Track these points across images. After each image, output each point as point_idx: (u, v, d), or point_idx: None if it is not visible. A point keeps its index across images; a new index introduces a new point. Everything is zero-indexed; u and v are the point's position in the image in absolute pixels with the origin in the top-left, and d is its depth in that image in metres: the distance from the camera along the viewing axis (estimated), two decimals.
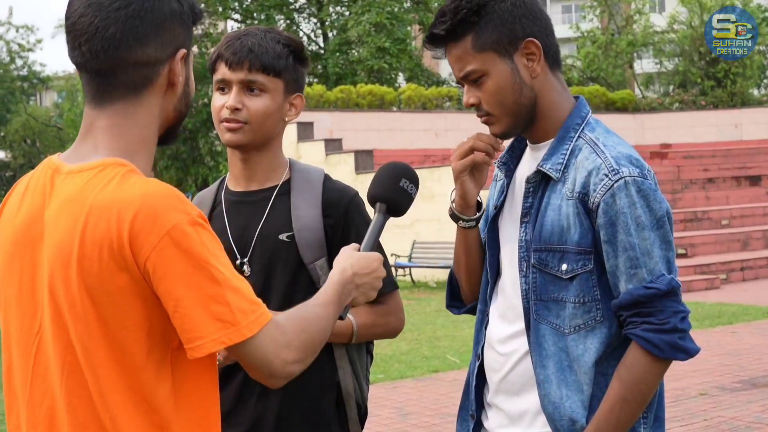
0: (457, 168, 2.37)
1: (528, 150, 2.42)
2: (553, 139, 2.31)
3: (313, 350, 1.81)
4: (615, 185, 2.17)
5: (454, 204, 2.44)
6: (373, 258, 2.06)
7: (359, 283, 2.01)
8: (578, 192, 2.22)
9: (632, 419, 2.19)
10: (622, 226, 2.17)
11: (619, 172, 2.18)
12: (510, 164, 2.45)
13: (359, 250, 2.09)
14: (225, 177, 2.72)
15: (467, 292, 2.57)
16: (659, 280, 2.16)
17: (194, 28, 1.87)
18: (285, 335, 1.73)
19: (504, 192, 2.43)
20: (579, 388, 2.22)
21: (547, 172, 2.27)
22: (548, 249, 2.25)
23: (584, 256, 2.22)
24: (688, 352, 2.18)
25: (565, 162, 2.26)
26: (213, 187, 2.74)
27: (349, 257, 2.04)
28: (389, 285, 2.57)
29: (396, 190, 2.18)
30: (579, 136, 2.28)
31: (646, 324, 2.16)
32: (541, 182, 2.30)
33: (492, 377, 2.40)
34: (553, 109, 2.31)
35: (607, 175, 2.18)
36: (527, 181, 2.32)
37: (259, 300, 1.72)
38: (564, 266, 2.23)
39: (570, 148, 2.27)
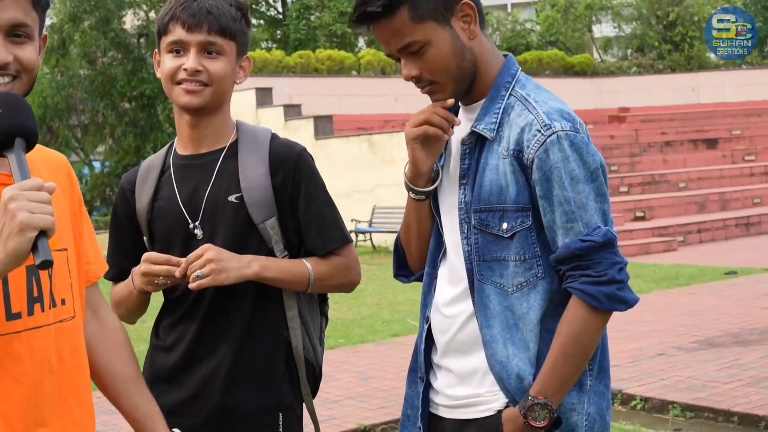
0: (409, 134, 2.33)
1: (461, 111, 2.39)
2: (485, 99, 2.29)
3: None
4: (548, 140, 2.17)
5: (406, 174, 2.41)
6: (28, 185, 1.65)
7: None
8: (513, 149, 2.21)
9: (576, 372, 2.19)
10: (556, 180, 2.17)
11: (551, 127, 2.18)
12: None
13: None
14: (173, 142, 2.67)
15: (416, 260, 2.53)
16: (595, 232, 2.17)
17: None
18: None
19: (442, 156, 2.40)
20: (525, 345, 2.22)
21: (482, 133, 2.26)
22: (488, 209, 2.24)
23: (523, 213, 2.21)
24: (627, 302, 2.19)
25: (498, 121, 2.25)
26: (161, 152, 2.68)
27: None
28: (342, 239, 2.59)
29: None
30: (510, 94, 2.27)
31: (584, 277, 2.16)
32: (476, 143, 2.29)
33: (440, 339, 2.39)
34: (486, 68, 2.29)
35: (539, 131, 2.18)
36: (462, 143, 2.31)
37: None
38: (504, 225, 2.23)
39: (502, 107, 2.26)
